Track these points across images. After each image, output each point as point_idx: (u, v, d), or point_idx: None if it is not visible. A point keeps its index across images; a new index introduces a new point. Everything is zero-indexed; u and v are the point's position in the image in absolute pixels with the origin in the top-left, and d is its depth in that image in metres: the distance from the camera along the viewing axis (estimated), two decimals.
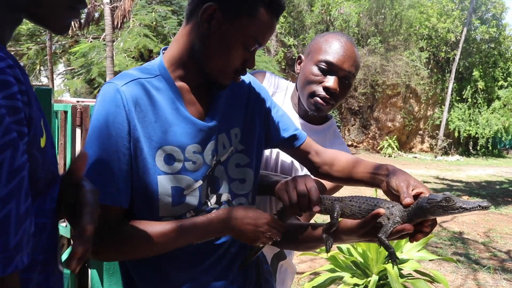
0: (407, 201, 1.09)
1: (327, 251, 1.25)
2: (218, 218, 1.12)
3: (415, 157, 18.84)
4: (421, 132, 20.65)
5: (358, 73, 1.57)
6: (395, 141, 19.52)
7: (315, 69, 1.49)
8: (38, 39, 17.19)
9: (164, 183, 1.10)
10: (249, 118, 1.29)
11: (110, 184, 1.05)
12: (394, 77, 18.76)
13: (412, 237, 1.12)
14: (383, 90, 19.25)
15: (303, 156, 1.39)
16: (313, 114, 1.54)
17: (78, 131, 2.29)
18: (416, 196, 1.11)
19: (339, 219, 1.18)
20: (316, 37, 1.57)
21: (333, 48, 1.48)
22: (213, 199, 1.20)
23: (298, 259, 4.77)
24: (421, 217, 1.08)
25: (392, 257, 1.15)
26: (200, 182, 1.15)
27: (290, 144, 1.37)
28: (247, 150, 1.27)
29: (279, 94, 1.66)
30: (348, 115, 20.25)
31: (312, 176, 1.46)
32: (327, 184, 1.51)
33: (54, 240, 0.80)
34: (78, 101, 2.44)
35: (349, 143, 20.27)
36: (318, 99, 1.50)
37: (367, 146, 20.35)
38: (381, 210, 1.10)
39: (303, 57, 1.60)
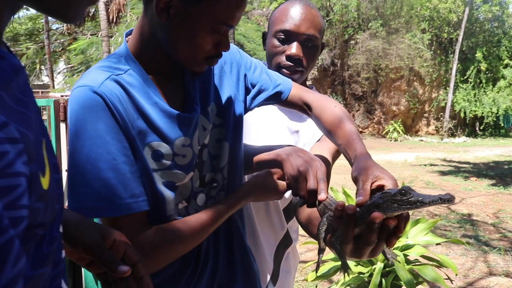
0: (358, 200, 0.92)
1: (316, 270, 1.15)
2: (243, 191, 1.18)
3: (421, 140, 18.71)
4: (426, 114, 20.48)
5: (323, 34, 1.52)
6: (401, 125, 19.38)
7: (275, 41, 1.48)
8: (37, 38, 17.20)
9: (156, 180, 1.03)
10: (221, 87, 1.20)
11: (134, 190, 0.97)
12: (397, 60, 18.57)
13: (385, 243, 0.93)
14: (386, 74, 19.07)
15: (294, 107, 1.35)
16: None
17: (62, 126, 2.20)
18: (377, 190, 0.95)
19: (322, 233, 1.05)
20: (273, 10, 1.55)
21: (287, 16, 1.46)
22: (197, 183, 1.13)
23: (305, 248, 4.68)
24: None
25: (343, 267, 1.02)
26: (191, 173, 1.10)
27: (276, 101, 1.31)
28: (223, 123, 1.19)
29: None
30: (352, 101, 20.10)
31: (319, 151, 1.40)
32: (330, 152, 1.44)
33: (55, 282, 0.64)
34: (62, 95, 2.35)
35: None
36: (284, 70, 1.46)
37: (373, 131, 20.22)
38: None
39: (266, 34, 1.58)
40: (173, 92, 1.09)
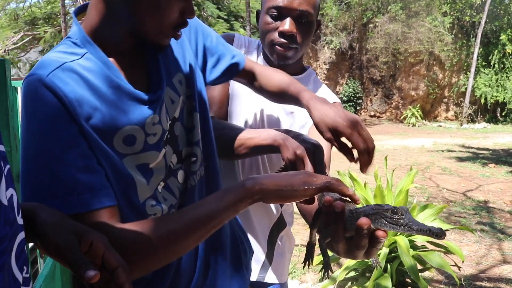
0: (337, 206, 0.85)
1: (304, 264, 1.07)
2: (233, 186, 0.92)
3: (440, 126, 18.39)
4: (445, 100, 20.08)
5: (318, 10, 1.48)
6: (419, 110, 19.07)
7: (268, 18, 1.45)
8: (55, 22, 17.28)
9: (129, 165, 0.96)
10: (184, 57, 1.14)
11: (92, 184, 0.88)
12: (417, 44, 18.20)
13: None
14: (405, 58, 18.72)
15: (243, 78, 1.33)
16: (280, 64, 1.46)
17: None
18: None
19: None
20: None
21: None
22: (174, 159, 1.08)
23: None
24: None
25: (325, 267, 0.99)
26: (164, 150, 1.03)
27: (233, 73, 1.28)
28: (191, 94, 1.14)
29: (253, 53, 1.58)
30: (370, 85, 19.83)
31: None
32: None
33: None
34: None
35: (372, 113, 19.93)
36: (277, 47, 1.43)
37: (390, 116, 19.96)
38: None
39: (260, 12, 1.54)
40: (136, 72, 1.02)
